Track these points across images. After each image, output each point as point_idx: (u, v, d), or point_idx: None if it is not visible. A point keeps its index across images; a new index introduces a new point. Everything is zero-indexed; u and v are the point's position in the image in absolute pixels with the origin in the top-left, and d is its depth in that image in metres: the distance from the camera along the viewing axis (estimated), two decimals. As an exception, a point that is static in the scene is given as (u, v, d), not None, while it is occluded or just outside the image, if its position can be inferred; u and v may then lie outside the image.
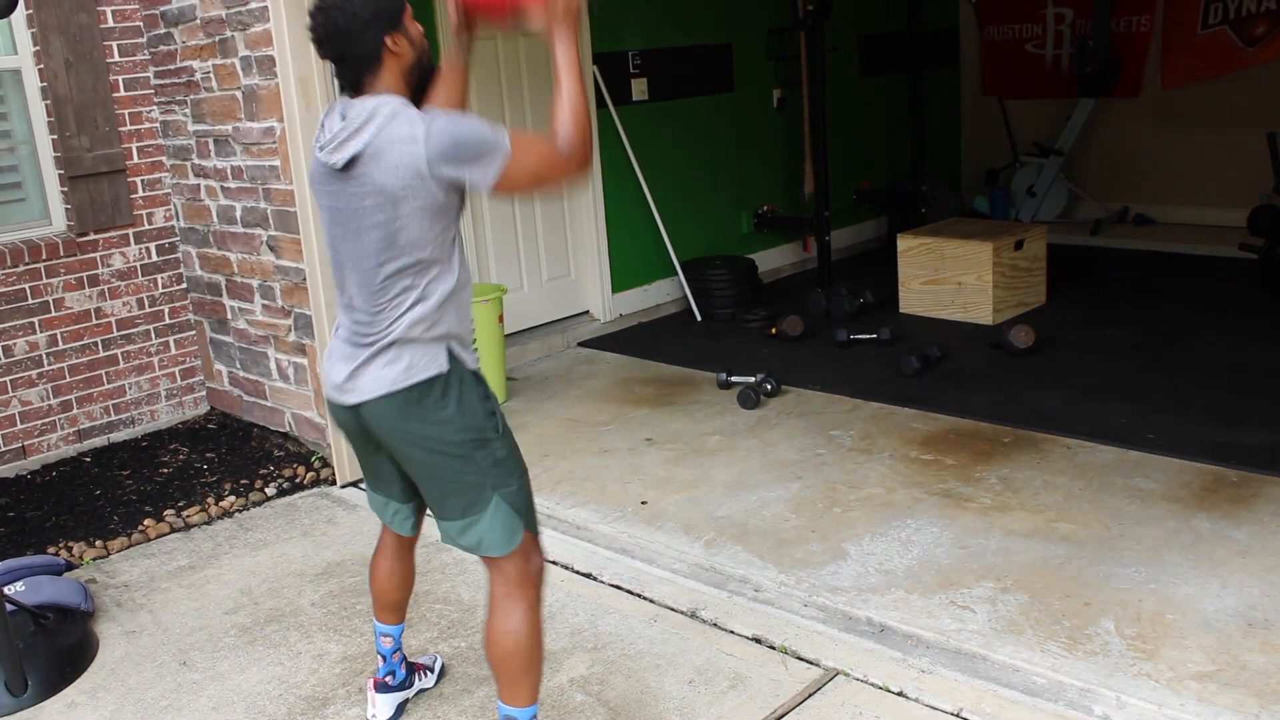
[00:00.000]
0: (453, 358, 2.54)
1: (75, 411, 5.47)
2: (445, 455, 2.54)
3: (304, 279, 4.89)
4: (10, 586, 3.67)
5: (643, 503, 4.42)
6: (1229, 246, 7.73)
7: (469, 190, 2.45)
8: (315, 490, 4.92)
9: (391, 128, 2.37)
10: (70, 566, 4.23)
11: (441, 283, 2.50)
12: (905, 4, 8.26)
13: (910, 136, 8.42)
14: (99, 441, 5.55)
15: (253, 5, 4.78)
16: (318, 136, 2.53)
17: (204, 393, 5.92)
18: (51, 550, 4.38)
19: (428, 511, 2.85)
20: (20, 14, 5.17)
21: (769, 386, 5.46)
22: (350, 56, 2.45)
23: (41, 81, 5.28)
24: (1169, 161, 8.73)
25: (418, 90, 2.59)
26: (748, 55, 7.69)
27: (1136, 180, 8.94)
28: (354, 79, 2.48)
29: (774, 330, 6.52)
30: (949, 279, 6.62)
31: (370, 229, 2.44)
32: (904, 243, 6.82)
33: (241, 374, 5.60)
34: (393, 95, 2.46)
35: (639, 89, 7.01)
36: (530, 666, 2.65)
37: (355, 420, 2.63)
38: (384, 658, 3.12)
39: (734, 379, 5.62)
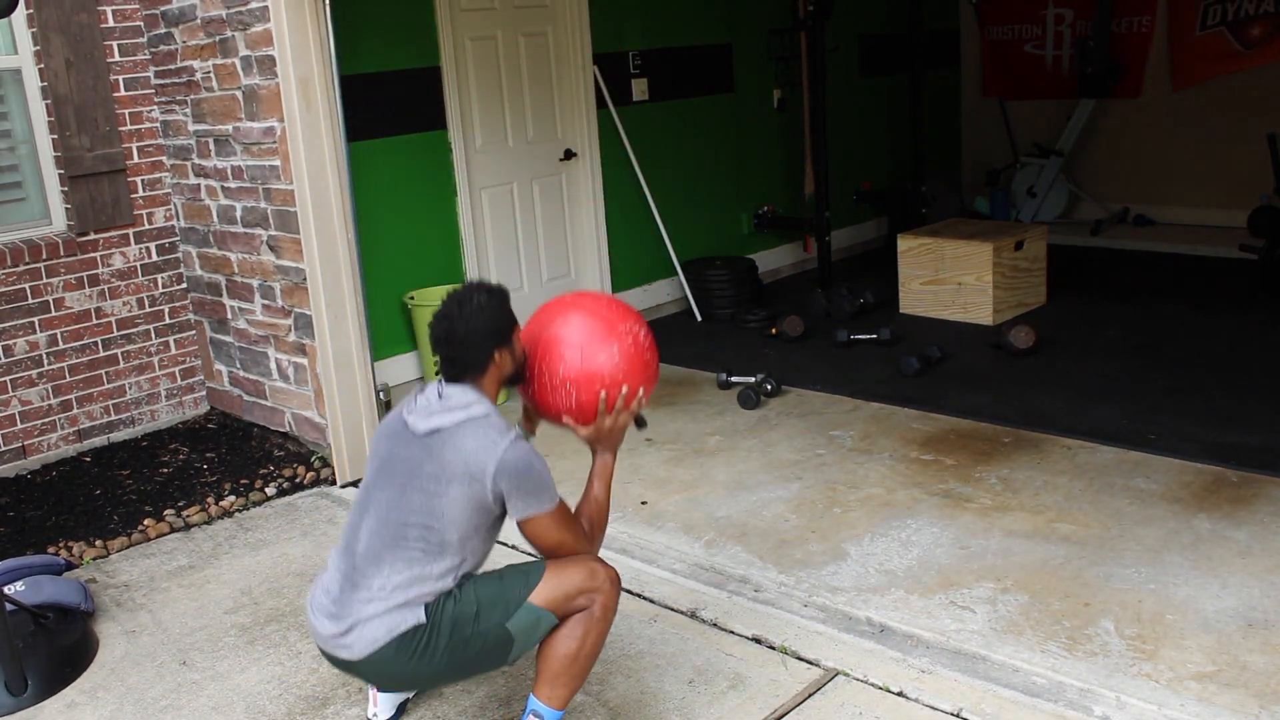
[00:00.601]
0: (429, 606, 2.67)
1: (75, 411, 5.47)
2: (452, 664, 2.70)
3: (304, 279, 4.89)
4: (10, 586, 3.67)
5: (643, 503, 4.42)
6: (1229, 247, 7.73)
7: (508, 512, 2.68)
8: (315, 490, 4.92)
9: (481, 426, 2.64)
10: (70, 566, 4.23)
11: (445, 563, 2.66)
12: (905, 4, 8.25)
13: (910, 137, 8.41)
14: (99, 441, 5.55)
15: (253, 5, 4.78)
16: (410, 401, 2.76)
17: (204, 392, 5.92)
18: (51, 550, 4.38)
19: None
20: (20, 13, 5.17)
21: (769, 387, 5.46)
22: (461, 361, 2.72)
23: (42, 81, 5.28)
24: (1169, 162, 8.72)
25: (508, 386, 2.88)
26: (748, 56, 7.69)
27: (1137, 181, 8.93)
28: (456, 374, 2.72)
29: (774, 330, 6.52)
30: (949, 279, 6.62)
31: (418, 487, 2.65)
32: (904, 243, 6.82)
33: (242, 374, 5.60)
34: (485, 396, 2.71)
35: (639, 89, 7.01)
36: (579, 674, 2.76)
37: (351, 669, 2.76)
38: None
39: (734, 379, 5.62)
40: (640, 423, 3.03)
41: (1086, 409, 5.05)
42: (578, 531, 2.77)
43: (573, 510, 2.80)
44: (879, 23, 8.65)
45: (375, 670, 2.70)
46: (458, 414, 2.65)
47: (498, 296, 2.75)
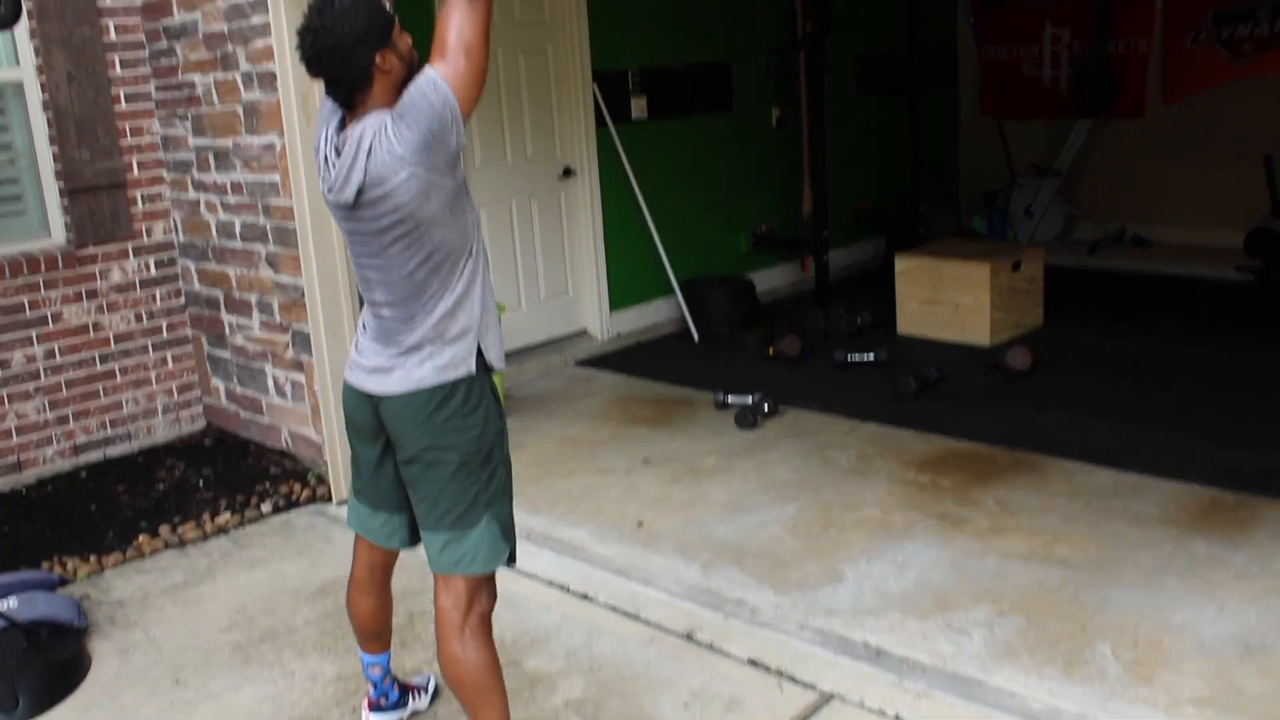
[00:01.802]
0: (481, 361, 2.59)
1: (72, 425, 5.46)
2: (451, 464, 2.57)
3: (302, 295, 4.89)
4: (2, 601, 3.65)
5: (639, 523, 4.41)
6: (1226, 268, 7.75)
7: (458, 148, 2.46)
8: (311, 507, 4.90)
9: (379, 156, 2.39)
10: (64, 582, 4.22)
11: (465, 273, 2.56)
12: (904, 24, 8.29)
13: (908, 156, 8.44)
14: (95, 456, 5.53)
15: (255, 20, 4.79)
16: (322, 176, 2.56)
17: (201, 408, 5.91)
18: (45, 565, 4.37)
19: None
20: (23, 26, 5.18)
21: (766, 407, 5.46)
22: (341, 77, 2.45)
23: (43, 94, 5.29)
24: (1166, 183, 8.75)
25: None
26: (747, 74, 7.71)
27: (1133, 201, 8.96)
28: (346, 97, 2.49)
29: (772, 350, 6.52)
30: (947, 300, 6.62)
31: (393, 243, 2.49)
32: (902, 263, 6.83)
33: (239, 390, 5.59)
34: (374, 113, 2.46)
35: (638, 107, 7.03)
36: (489, 693, 2.66)
37: (372, 413, 2.66)
38: (374, 684, 3.12)
39: (731, 399, 5.62)
40: None
41: (1084, 430, 5.05)
42: (462, 38, 2.42)
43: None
44: (877, 43, 8.68)
45: (399, 412, 2.57)
46: (358, 162, 2.41)
47: None
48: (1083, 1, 8.76)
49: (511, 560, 2.70)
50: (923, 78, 8.49)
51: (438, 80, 2.40)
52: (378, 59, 2.43)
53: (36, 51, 5.25)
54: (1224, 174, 8.40)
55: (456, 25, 2.43)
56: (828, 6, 7.19)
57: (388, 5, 2.51)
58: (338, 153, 2.49)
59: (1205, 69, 8.30)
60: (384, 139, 2.40)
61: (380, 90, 2.47)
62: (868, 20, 8.50)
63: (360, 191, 2.43)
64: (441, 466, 2.58)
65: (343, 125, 2.54)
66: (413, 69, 2.52)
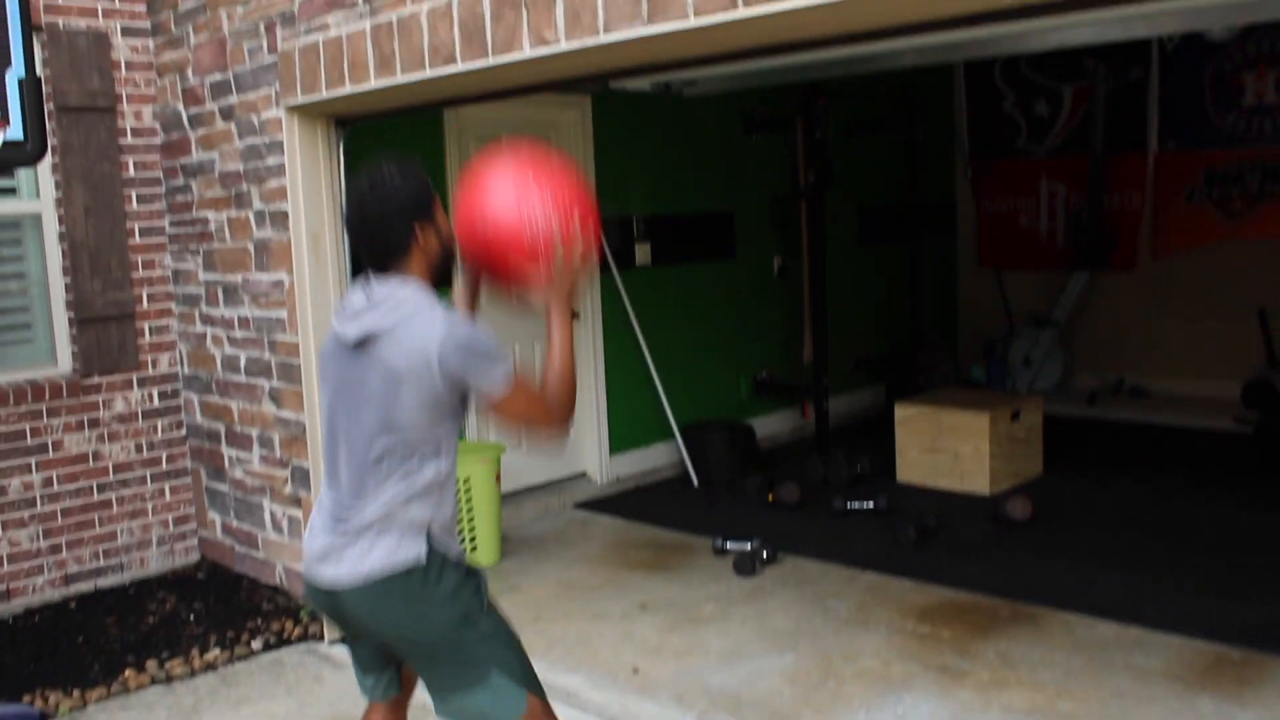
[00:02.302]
0: (431, 546, 2.55)
1: (64, 555, 5.42)
2: (430, 641, 2.54)
3: (304, 431, 4.91)
4: (-16, 737, 3.58)
5: (635, 670, 4.34)
6: (1223, 419, 7.79)
7: (471, 395, 2.53)
8: (303, 646, 4.83)
9: (413, 316, 2.47)
10: (45, 717, 4.13)
11: (426, 470, 2.54)
12: (904, 176, 8.49)
13: (908, 305, 8.55)
14: (86, 586, 5.47)
15: (270, 161, 4.91)
16: (338, 310, 2.61)
17: (196, 541, 5.87)
18: (27, 699, 4.28)
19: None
20: (46, 161, 5.31)
21: (765, 554, 5.42)
22: (380, 243, 2.55)
23: (60, 226, 5.40)
24: (1162, 334, 8.85)
25: (440, 276, 2.67)
26: (749, 223, 7.86)
27: (1131, 352, 9.05)
28: (381, 263, 2.57)
29: (771, 497, 6.49)
30: (946, 448, 6.63)
31: (370, 405, 2.50)
32: (901, 411, 6.86)
33: (235, 524, 5.56)
34: (416, 281, 2.56)
35: (642, 254, 7.15)
36: None
37: (333, 604, 2.62)
38: None
39: (730, 545, 5.58)
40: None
41: (1085, 583, 5.00)
42: (535, 396, 2.56)
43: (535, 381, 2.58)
44: (878, 194, 8.87)
45: (358, 606, 2.53)
46: (388, 312, 2.49)
47: (411, 169, 2.58)
48: (1078, 158, 9.00)
49: (540, 697, 2.63)
50: (922, 229, 8.66)
51: (511, 378, 2.50)
52: (418, 231, 2.55)
53: (57, 185, 5.38)
54: (1219, 326, 8.50)
55: (535, 403, 2.56)
56: (829, 158, 7.38)
57: (431, 183, 2.62)
58: (368, 298, 2.55)
59: (1197, 227, 8.49)
60: (433, 312, 2.47)
61: (415, 261, 2.56)
62: (868, 172, 8.71)
63: (370, 336, 2.48)
64: (421, 645, 2.56)
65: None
66: (448, 249, 2.63)
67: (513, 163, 2.67)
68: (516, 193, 2.59)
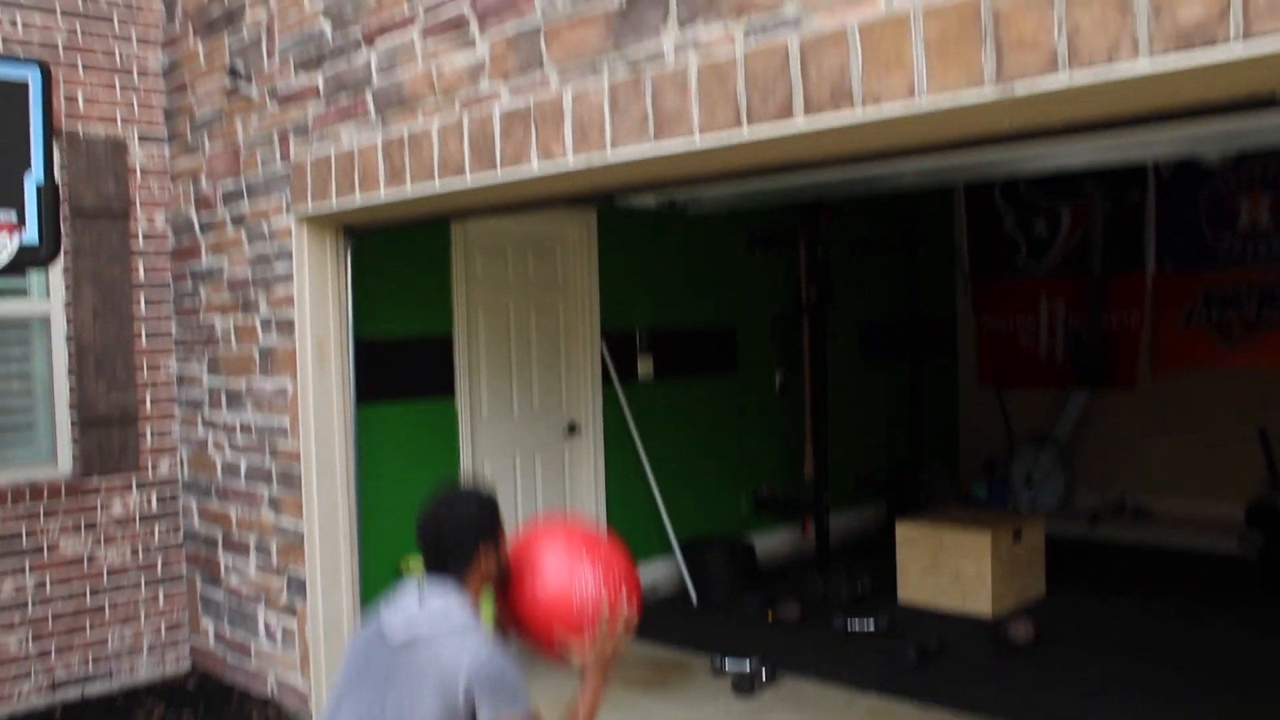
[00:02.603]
0: None
1: (53, 661, 5.34)
2: None
3: (302, 540, 4.88)
4: None
5: (629, 790, 4.24)
6: (1227, 540, 7.72)
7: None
8: (290, 758, 4.73)
9: (458, 635, 2.60)
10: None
11: None
12: (905, 294, 8.57)
13: (909, 422, 8.55)
14: (73, 694, 5.38)
15: (278, 269, 4.97)
16: (389, 604, 2.74)
17: (188, 649, 5.79)
18: (8, 810, 4.19)
19: None
20: (58, 263, 5.38)
21: (764, 674, 5.33)
22: (448, 557, 2.72)
23: (68, 327, 5.44)
24: (1164, 453, 8.83)
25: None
26: (751, 338, 7.91)
27: (1133, 471, 9.01)
28: (439, 565, 2.72)
29: (771, 615, 6.42)
30: (948, 568, 6.57)
31: (393, 695, 2.60)
32: (903, 530, 6.81)
33: (228, 632, 5.49)
34: (468, 595, 2.70)
35: (644, 367, 7.18)
36: None
37: None
38: None
39: (729, 664, 5.49)
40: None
41: (1088, 706, 4.91)
42: None
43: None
44: (879, 311, 8.94)
45: None
46: (436, 621, 2.62)
47: (487, 495, 2.80)
48: (1077, 277, 9.10)
49: None
50: (923, 346, 8.71)
51: (525, 714, 2.60)
52: (482, 551, 2.73)
53: (68, 287, 5.43)
54: (1221, 446, 8.48)
55: None
56: (831, 275, 7.46)
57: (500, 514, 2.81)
58: (420, 603, 2.67)
59: (1196, 349, 8.53)
60: (478, 639, 2.59)
61: (472, 578, 2.72)
62: (870, 289, 8.79)
63: (414, 641, 2.60)
64: None
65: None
66: (504, 575, 2.80)
67: (566, 533, 2.92)
68: (569, 563, 2.81)
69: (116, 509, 5.56)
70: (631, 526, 7.07)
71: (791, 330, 8.12)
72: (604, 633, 2.79)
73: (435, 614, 2.63)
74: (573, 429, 6.80)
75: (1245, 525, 7.95)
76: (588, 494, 6.87)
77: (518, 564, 2.83)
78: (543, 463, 6.69)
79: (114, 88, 5.55)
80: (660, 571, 7.25)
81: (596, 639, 2.79)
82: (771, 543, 8.02)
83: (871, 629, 6.11)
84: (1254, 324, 8.21)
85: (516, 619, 2.85)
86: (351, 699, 2.67)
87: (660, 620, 6.56)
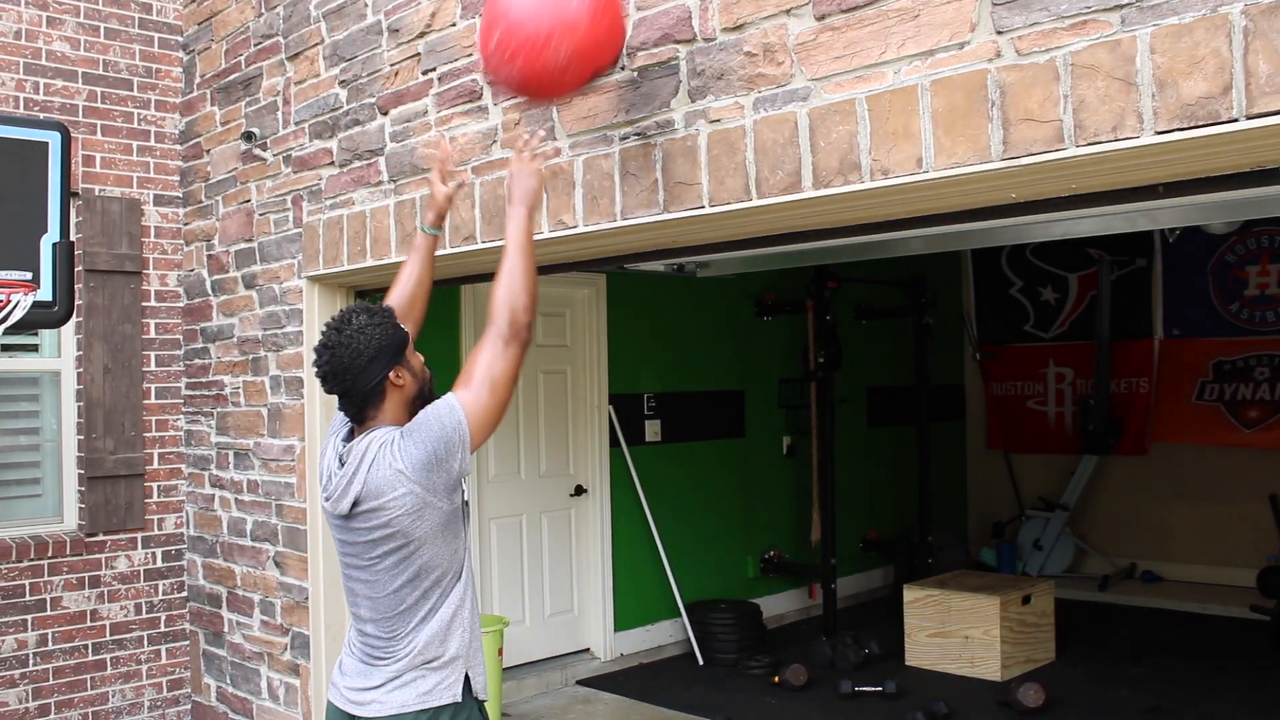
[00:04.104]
0: (467, 687, 2.56)
1: (53, 716, 5.30)
2: None
3: (306, 598, 4.87)
4: None
5: None
6: (1239, 607, 7.66)
7: (462, 475, 2.53)
8: (290, 822, 4.68)
9: (379, 471, 2.47)
10: None
11: (452, 597, 2.56)
12: (913, 359, 8.58)
13: (917, 487, 8.52)
14: (73, 753, 5.35)
15: (289, 329, 5.01)
16: (322, 483, 2.64)
17: (189, 706, 5.75)
18: None
19: None
20: (70, 321, 5.43)
21: (770, 737, 5.28)
22: (354, 391, 2.55)
23: (78, 384, 5.47)
24: (1173, 519, 8.79)
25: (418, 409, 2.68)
26: (759, 402, 7.92)
27: (1142, 536, 8.97)
28: (358, 410, 2.59)
29: (776, 679, 6.36)
30: (956, 632, 6.53)
31: (383, 557, 2.52)
32: (910, 593, 6.78)
33: (230, 690, 5.46)
34: (380, 428, 2.55)
35: (652, 430, 7.19)
36: None
37: None
38: None
39: (734, 727, 5.44)
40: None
41: (1099, 782, 4.85)
42: (488, 373, 2.54)
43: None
44: (887, 376, 8.96)
45: None
46: (358, 476, 2.48)
47: (379, 314, 2.59)
48: (1085, 343, 9.12)
49: None
50: (931, 411, 8.70)
51: (455, 405, 2.49)
52: (391, 375, 2.56)
53: (79, 344, 5.47)
54: (1231, 511, 8.45)
55: (487, 359, 2.55)
56: (838, 340, 7.49)
57: (401, 324, 2.67)
58: (341, 463, 2.56)
59: (1211, 432, 8.47)
60: (388, 453, 2.47)
61: (391, 406, 2.58)
62: (877, 354, 8.81)
63: (356, 503, 2.50)
64: None
65: (350, 437, 2.63)
66: (425, 387, 2.65)
67: None
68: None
69: (121, 565, 5.55)
70: (638, 588, 7.04)
71: (800, 395, 8.13)
72: (528, 144, 2.72)
73: (354, 467, 2.51)
74: (580, 491, 6.79)
75: (1259, 590, 7.89)
76: (595, 556, 6.84)
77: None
78: (550, 524, 6.68)
79: (131, 150, 5.63)
80: (666, 633, 7.21)
81: (522, 149, 2.73)
82: (778, 605, 7.98)
83: (879, 693, 6.06)
84: (1267, 405, 8.18)
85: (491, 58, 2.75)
86: (356, 573, 2.60)
87: (666, 683, 6.52)
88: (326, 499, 2.60)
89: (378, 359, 2.53)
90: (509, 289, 2.61)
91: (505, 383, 2.56)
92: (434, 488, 2.46)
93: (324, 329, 2.60)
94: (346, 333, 2.53)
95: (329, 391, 2.60)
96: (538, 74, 2.76)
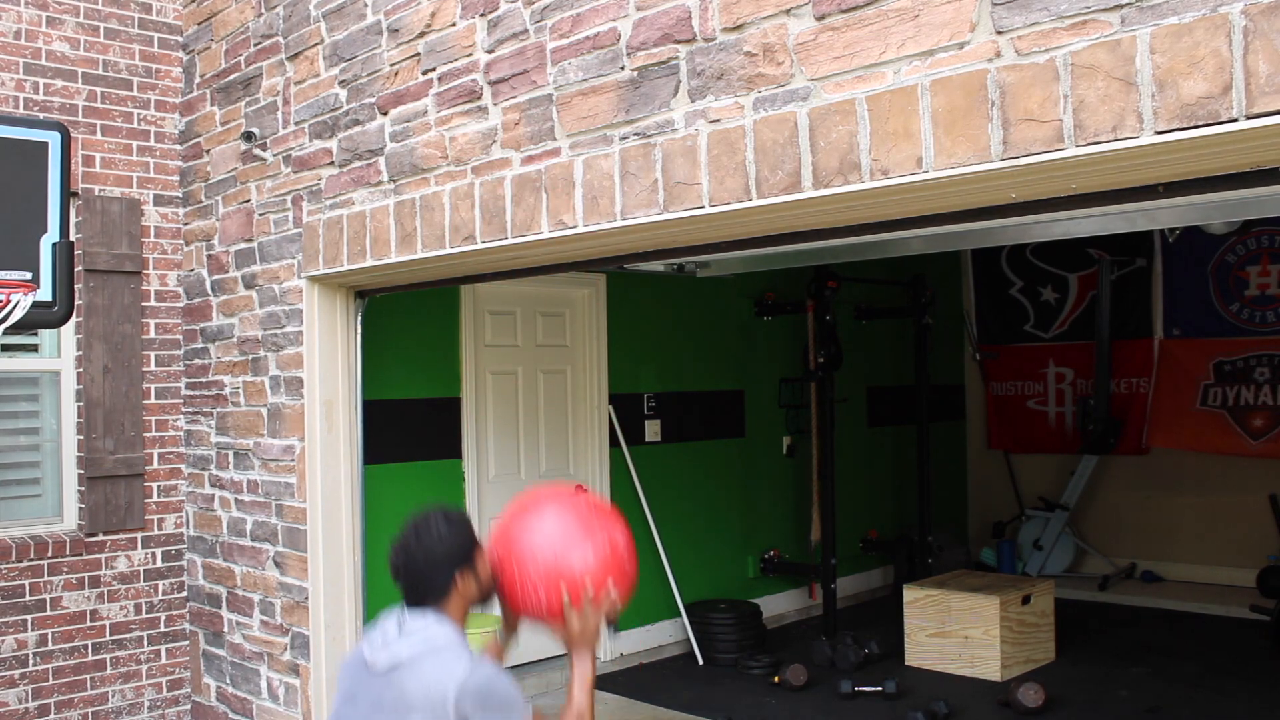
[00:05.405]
0: None
1: (52, 716, 5.30)
2: None
3: (306, 597, 4.87)
4: None
5: None
6: (1239, 606, 7.66)
7: None
8: (290, 822, 4.68)
9: (439, 649, 2.56)
10: None
11: None
12: (913, 359, 8.58)
13: (917, 487, 8.52)
14: (73, 753, 5.35)
15: (289, 329, 5.01)
16: (369, 635, 2.71)
17: (189, 706, 5.75)
18: None
19: None
20: (70, 321, 5.42)
21: (769, 737, 5.28)
22: (421, 588, 2.65)
23: (78, 384, 5.47)
24: (1173, 519, 8.78)
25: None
26: (759, 403, 7.92)
27: (1142, 536, 8.96)
28: (418, 601, 2.66)
29: (776, 679, 6.36)
30: (956, 632, 6.52)
31: None
32: (910, 593, 6.77)
33: (230, 690, 5.46)
34: (452, 624, 2.64)
35: (652, 430, 7.19)
36: None
37: None
38: None
39: (734, 727, 5.44)
40: (611, 621, 2.85)
41: (1099, 782, 4.85)
42: None
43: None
44: (887, 376, 8.95)
45: None
46: (417, 644, 2.57)
47: (457, 523, 2.69)
48: (1085, 343, 9.11)
49: None
50: (931, 411, 8.70)
51: (531, 713, 2.59)
52: (458, 580, 2.65)
53: (79, 344, 5.47)
54: (1231, 511, 8.44)
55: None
56: (838, 340, 7.49)
57: (475, 533, 2.74)
58: (400, 628, 2.63)
59: (1216, 440, 8.46)
60: (460, 656, 2.55)
61: (453, 605, 2.66)
62: (878, 354, 8.81)
63: (396, 666, 2.56)
64: None
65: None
66: (487, 594, 2.74)
67: (564, 502, 2.83)
68: (560, 535, 2.74)
69: (121, 565, 5.55)
70: (638, 588, 6.99)
71: (799, 394, 8.13)
72: (586, 609, 2.71)
73: (416, 638, 2.58)
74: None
75: (1258, 589, 7.89)
76: (594, 555, 6.83)
77: (506, 532, 2.77)
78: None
79: (131, 150, 5.63)
80: (666, 633, 7.20)
81: (581, 614, 2.71)
82: (778, 605, 7.98)
83: (879, 693, 6.06)
84: (1270, 412, 8.17)
85: (506, 596, 2.77)
86: None
87: (665, 683, 6.51)
88: (368, 649, 2.66)
89: (449, 562, 2.64)
90: None
91: None
92: (461, 710, 2.51)
93: (404, 528, 2.71)
94: (426, 538, 2.65)
95: (396, 580, 2.69)
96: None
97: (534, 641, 6.51)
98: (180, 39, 5.78)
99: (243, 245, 5.30)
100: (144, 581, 5.63)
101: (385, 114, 4.32)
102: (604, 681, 6.52)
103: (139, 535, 5.62)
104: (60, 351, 5.50)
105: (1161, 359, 8.78)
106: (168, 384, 5.75)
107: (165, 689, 5.69)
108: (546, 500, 2.85)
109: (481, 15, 3.86)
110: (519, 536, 2.75)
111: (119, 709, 5.51)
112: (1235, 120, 2.21)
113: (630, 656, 6.93)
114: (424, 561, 2.62)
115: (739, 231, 3.47)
